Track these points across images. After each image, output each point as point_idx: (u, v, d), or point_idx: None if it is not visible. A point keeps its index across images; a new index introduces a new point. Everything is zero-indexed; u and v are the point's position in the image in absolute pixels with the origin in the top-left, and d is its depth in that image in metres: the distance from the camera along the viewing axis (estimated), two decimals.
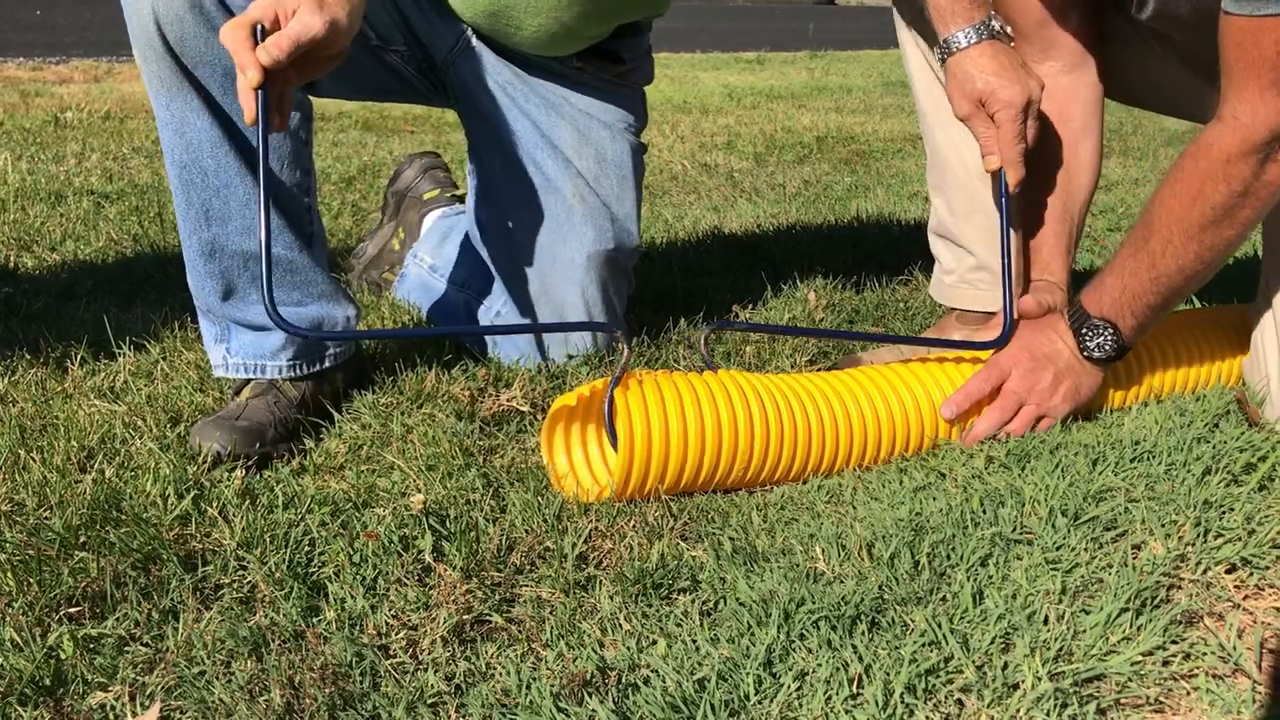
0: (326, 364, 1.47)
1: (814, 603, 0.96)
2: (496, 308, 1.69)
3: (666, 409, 1.19)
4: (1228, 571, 1.05)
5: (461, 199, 2.08)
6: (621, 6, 1.59)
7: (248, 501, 1.20)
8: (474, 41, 1.60)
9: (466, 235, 1.88)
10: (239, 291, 1.40)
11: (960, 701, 0.87)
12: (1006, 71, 1.34)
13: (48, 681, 0.91)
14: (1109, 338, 1.30)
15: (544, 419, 1.27)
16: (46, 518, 1.14)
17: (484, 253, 1.69)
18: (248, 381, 1.43)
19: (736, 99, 5.78)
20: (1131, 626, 0.94)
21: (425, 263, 1.92)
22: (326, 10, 1.14)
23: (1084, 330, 1.31)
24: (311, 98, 1.47)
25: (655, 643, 0.95)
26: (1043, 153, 1.46)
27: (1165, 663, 0.92)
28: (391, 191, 2.13)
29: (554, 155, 1.61)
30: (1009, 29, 1.39)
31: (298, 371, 1.44)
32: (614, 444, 1.23)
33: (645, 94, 1.75)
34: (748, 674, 0.88)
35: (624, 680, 0.90)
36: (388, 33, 1.55)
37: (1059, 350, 1.33)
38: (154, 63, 1.29)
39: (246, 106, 1.13)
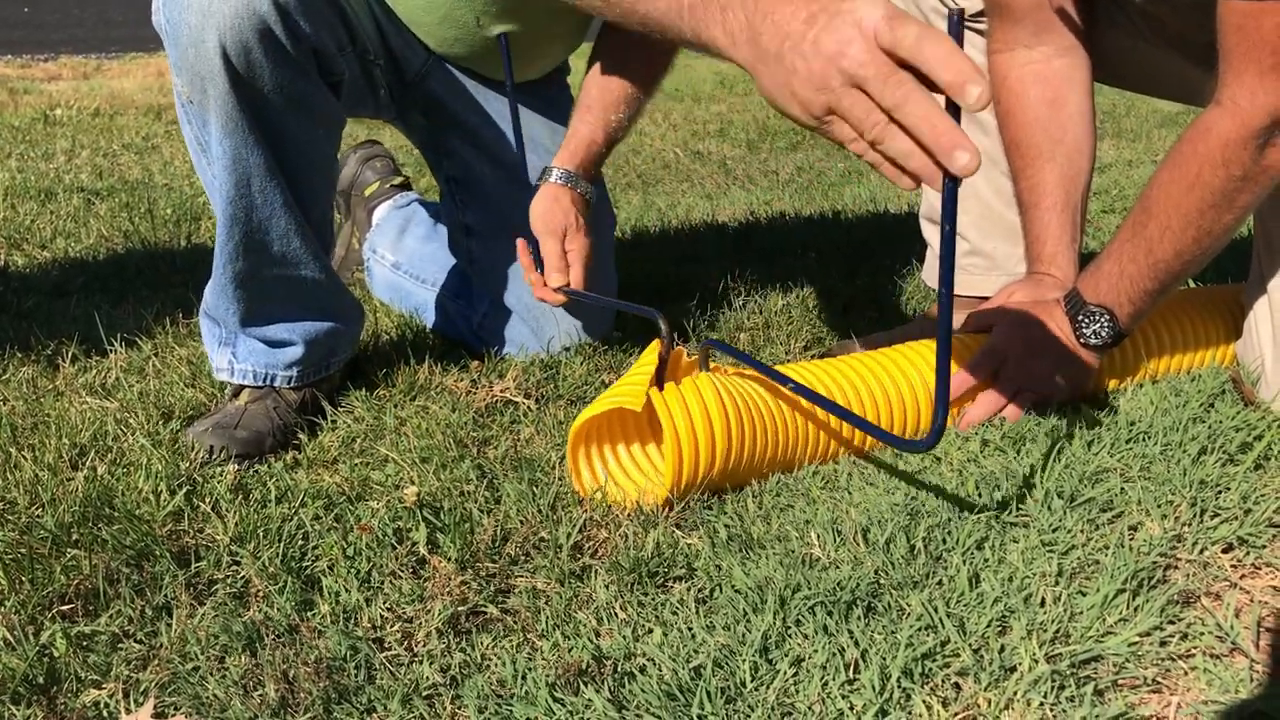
0: (332, 369, 1.47)
1: (810, 589, 0.96)
2: (483, 309, 1.68)
3: (708, 406, 1.16)
4: (1224, 551, 1.05)
5: (404, 186, 2.07)
6: (575, 46, 1.70)
7: (240, 496, 1.19)
8: (441, 62, 1.61)
9: (429, 231, 1.88)
10: (262, 312, 1.40)
11: (957, 685, 0.86)
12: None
13: (41, 680, 0.91)
14: (1105, 324, 1.30)
15: (567, 436, 1.23)
16: (38, 515, 1.13)
17: (468, 255, 1.68)
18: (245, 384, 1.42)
19: (729, 86, 5.76)
20: (1128, 607, 0.94)
21: (387, 260, 1.91)
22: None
23: (1080, 317, 1.31)
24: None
25: (651, 631, 0.95)
26: (1039, 141, 1.45)
27: (1163, 643, 0.92)
28: (340, 192, 2.11)
29: (534, 150, 1.62)
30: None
31: (305, 381, 1.44)
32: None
33: (569, 85, 1.80)
34: (744, 661, 0.88)
35: (620, 669, 0.89)
36: (373, 46, 1.53)
37: (1055, 337, 1.32)
38: (214, 97, 1.25)
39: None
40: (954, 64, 0.82)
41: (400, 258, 1.88)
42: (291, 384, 1.42)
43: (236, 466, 1.27)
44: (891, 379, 1.30)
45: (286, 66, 1.27)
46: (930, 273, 1.74)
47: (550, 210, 1.48)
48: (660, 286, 1.97)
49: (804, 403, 1.24)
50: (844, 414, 1.14)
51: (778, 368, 1.29)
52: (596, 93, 1.53)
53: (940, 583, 0.98)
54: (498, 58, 1.55)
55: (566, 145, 1.52)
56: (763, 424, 1.20)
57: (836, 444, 1.27)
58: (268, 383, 1.41)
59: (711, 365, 1.25)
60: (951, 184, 0.87)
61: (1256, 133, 1.16)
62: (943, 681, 0.86)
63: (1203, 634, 0.93)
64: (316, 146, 1.37)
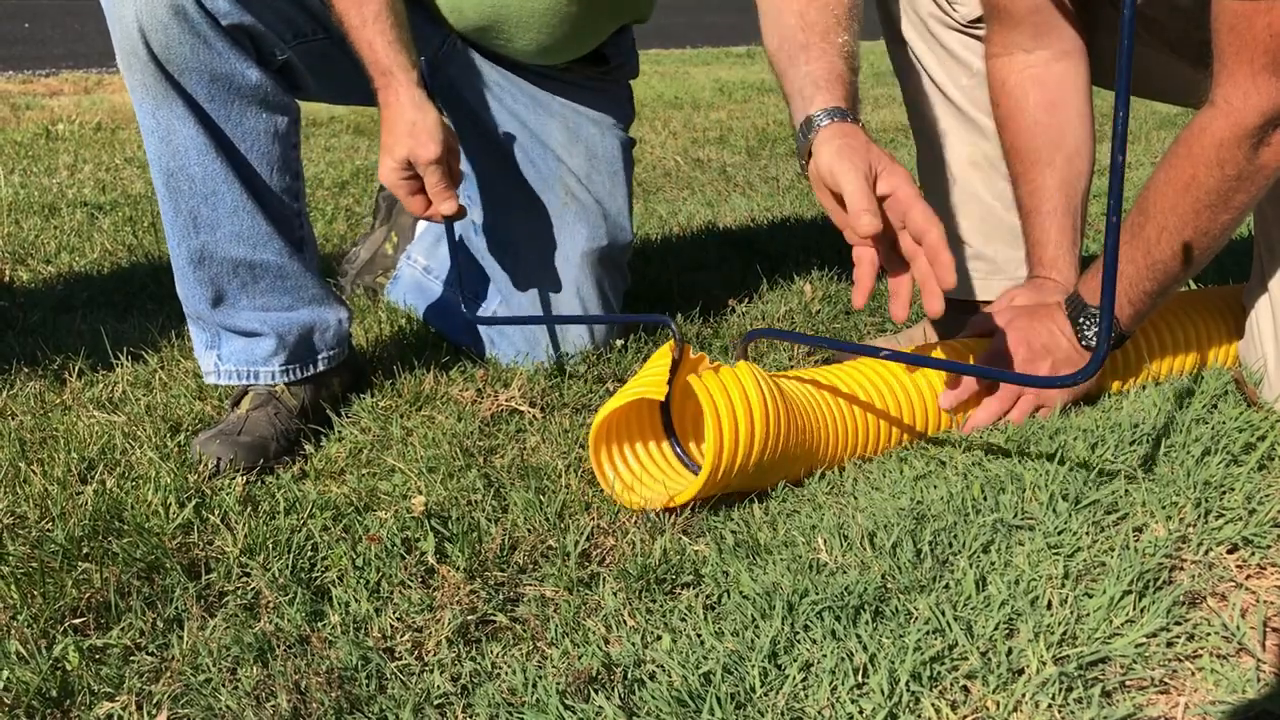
0: (320, 367, 1.47)
1: (817, 594, 0.96)
2: (493, 308, 1.70)
3: (747, 393, 1.15)
4: (1229, 551, 1.05)
5: None
6: (608, 21, 1.60)
7: (249, 508, 1.20)
8: (459, 44, 1.60)
9: (460, 236, 1.88)
10: (229, 298, 1.40)
11: (965, 688, 0.87)
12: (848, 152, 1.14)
13: (54, 693, 0.91)
14: None
15: (588, 433, 1.23)
16: (49, 530, 1.14)
17: (480, 253, 1.69)
18: (246, 391, 1.43)
19: (728, 93, 5.77)
20: (1135, 609, 0.94)
21: (419, 264, 1.92)
22: (427, 137, 1.34)
23: (1081, 320, 1.31)
24: (300, 101, 1.47)
25: (660, 638, 0.95)
26: (1041, 144, 1.45)
27: (1169, 644, 0.92)
28: (382, 195, 2.12)
29: (544, 154, 1.61)
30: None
31: (291, 376, 1.44)
32: (670, 437, 1.26)
33: (631, 89, 1.75)
34: (753, 666, 0.88)
35: (630, 676, 0.90)
36: None
37: (1057, 341, 1.33)
38: (139, 71, 1.29)
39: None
40: None
41: (432, 262, 1.89)
42: (275, 379, 1.43)
43: (245, 477, 1.27)
44: (900, 382, 1.31)
45: (207, 45, 1.29)
46: None
47: (846, 149, 1.14)
48: (663, 294, 1.98)
49: (823, 397, 1.25)
50: (971, 369, 1.20)
51: (791, 373, 1.30)
52: (802, 32, 1.25)
53: (947, 586, 0.99)
54: (514, 26, 1.52)
55: (814, 91, 1.21)
56: (802, 410, 1.21)
57: (873, 438, 1.28)
58: (252, 380, 1.42)
59: (714, 364, 1.26)
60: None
61: (1250, 132, 1.17)
62: (951, 684, 0.87)
63: (1209, 634, 0.93)
64: (254, 128, 1.37)
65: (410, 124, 1.35)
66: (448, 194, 1.39)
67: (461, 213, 1.41)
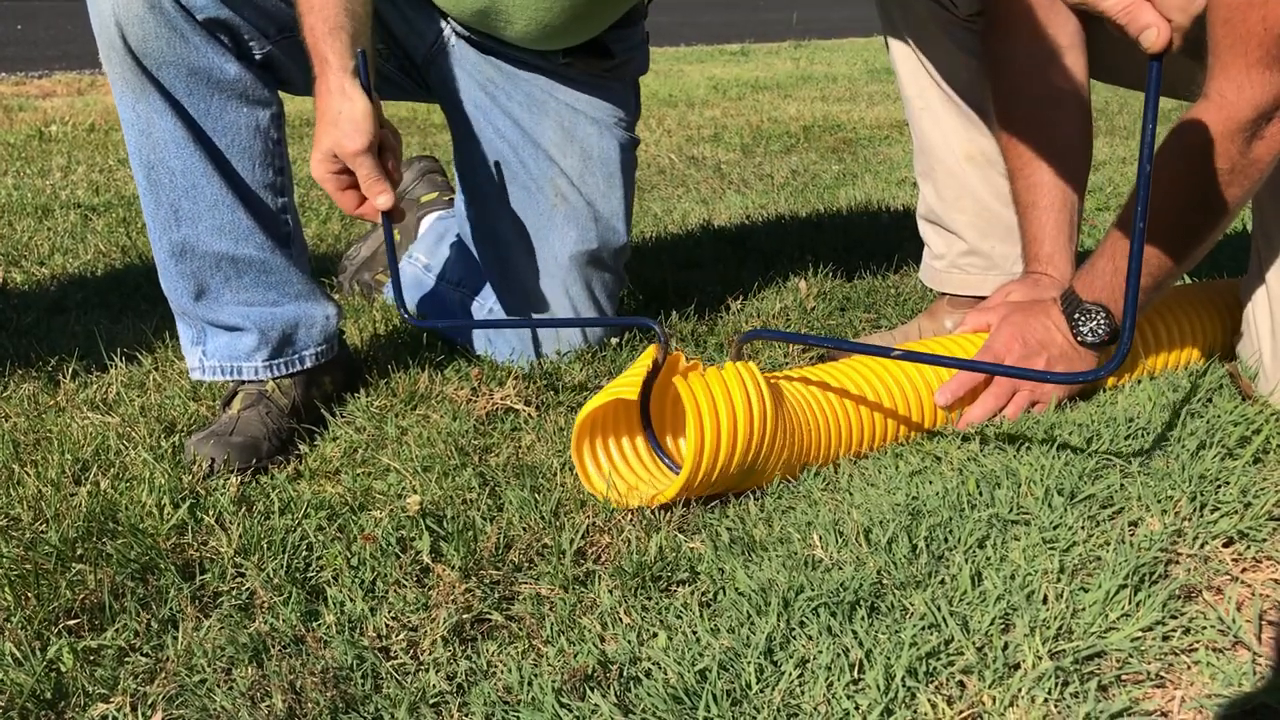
0: (307, 363, 1.46)
1: (813, 590, 0.96)
2: (490, 304, 1.69)
3: (732, 397, 1.15)
4: (1225, 545, 1.05)
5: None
6: (609, 6, 1.58)
7: (244, 508, 1.20)
8: (453, 40, 1.60)
9: (458, 234, 1.88)
10: (211, 292, 1.40)
11: (961, 683, 0.87)
12: None
13: (49, 695, 0.91)
14: (1102, 321, 1.30)
15: (572, 431, 1.22)
16: (43, 531, 1.13)
17: (474, 251, 1.68)
18: (236, 391, 1.43)
19: (722, 91, 5.77)
20: (1130, 603, 0.94)
21: (420, 262, 1.92)
22: (352, 127, 1.26)
23: (1077, 315, 1.31)
24: (283, 94, 1.47)
25: (656, 635, 0.95)
26: (1038, 139, 1.45)
27: (1165, 638, 0.92)
28: None
29: (536, 154, 1.60)
30: None
31: (276, 372, 1.43)
32: (648, 436, 1.25)
33: (639, 85, 1.74)
34: (749, 663, 0.88)
35: (625, 673, 0.90)
36: None
37: (1052, 336, 1.33)
38: (117, 64, 1.30)
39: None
40: None
41: (433, 261, 1.89)
42: (259, 375, 1.42)
43: (239, 478, 1.27)
44: (894, 379, 1.31)
45: (183, 38, 1.30)
46: (928, 273, 1.74)
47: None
48: (658, 292, 1.98)
49: (815, 395, 1.24)
50: (1000, 369, 1.20)
51: (785, 371, 1.30)
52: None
53: (943, 581, 0.99)
54: (514, 6, 1.50)
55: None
56: (794, 411, 1.20)
57: (868, 435, 1.27)
58: (236, 375, 1.42)
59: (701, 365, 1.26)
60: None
61: (1243, 125, 1.16)
62: (947, 680, 0.87)
63: (1205, 628, 0.93)
64: (234, 123, 1.37)
65: (336, 113, 1.27)
66: (381, 185, 1.29)
67: (400, 213, 1.34)
